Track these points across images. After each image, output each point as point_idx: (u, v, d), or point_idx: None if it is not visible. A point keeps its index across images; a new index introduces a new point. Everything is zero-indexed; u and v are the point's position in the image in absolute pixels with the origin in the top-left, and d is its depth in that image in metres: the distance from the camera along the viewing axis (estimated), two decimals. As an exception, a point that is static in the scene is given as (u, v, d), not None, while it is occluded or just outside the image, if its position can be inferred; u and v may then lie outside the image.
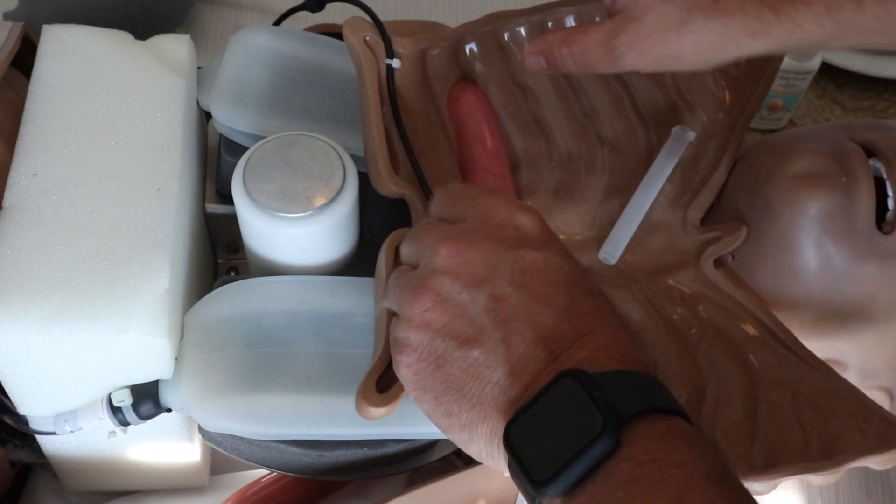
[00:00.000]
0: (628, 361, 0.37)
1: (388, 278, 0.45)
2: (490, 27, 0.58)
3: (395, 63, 0.55)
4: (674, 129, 0.59)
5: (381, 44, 0.55)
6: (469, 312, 0.39)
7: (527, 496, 0.36)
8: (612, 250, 0.55)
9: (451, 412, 0.39)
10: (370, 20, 0.55)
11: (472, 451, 0.40)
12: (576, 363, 0.36)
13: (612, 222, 0.57)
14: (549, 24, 0.59)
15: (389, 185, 0.51)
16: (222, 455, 0.54)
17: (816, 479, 0.45)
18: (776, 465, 0.45)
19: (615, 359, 0.37)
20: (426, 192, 0.52)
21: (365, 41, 0.54)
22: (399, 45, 0.56)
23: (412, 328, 0.40)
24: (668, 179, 0.58)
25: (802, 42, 0.44)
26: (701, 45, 0.45)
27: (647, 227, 0.57)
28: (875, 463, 0.44)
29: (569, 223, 0.57)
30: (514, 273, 0.39)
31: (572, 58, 0.48)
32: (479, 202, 0.42)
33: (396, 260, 0.47)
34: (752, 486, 0.44)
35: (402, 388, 0.42)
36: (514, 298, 0.38)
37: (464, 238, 0.40)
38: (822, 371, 0.48)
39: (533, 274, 0.39)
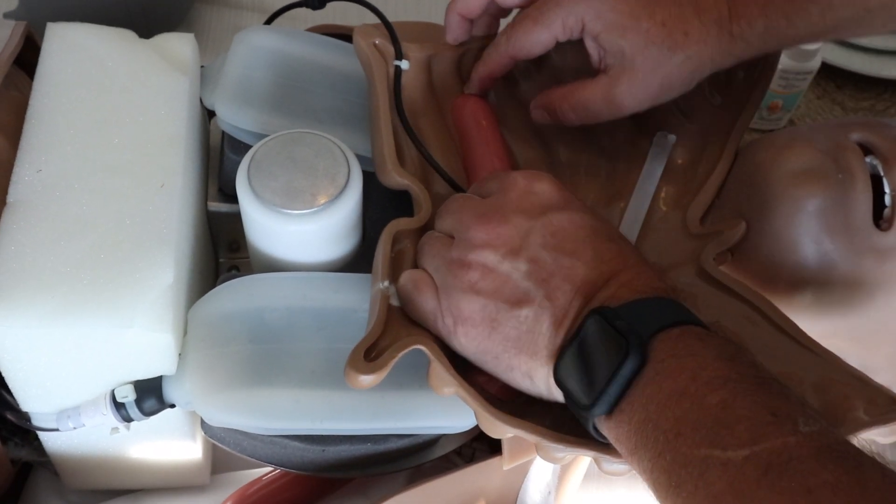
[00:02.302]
0: (648, 290, 0.42)
1: (385, 265, 0.48)
2: (491, 38, 0.59)
3: (404, 64, 0.56)
4: (655, 136, 0.60)
5: (390, 48, 0.56)
6: (513, 279, 0.44)
7: (583, 421, 0.42)
8: None
9: (513, 366, 0.44)
10: (380, 24, 0.56)
11: (535, 392, 0.45)
12: (602, 302, 0.42)
13: (612, 223, 0.58)
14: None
15: (394, 177, 0.52)
16: (223, 453, 0.54)
17: None
18: None
19: (635, 291, 0.42)
20: (438, 172, 0.54)
21: (375, 45, 0.56)
22: (406, 49, 0.57)
23: (464, 298, 0.44)
24: (668, 181, 0.59)
25: (754, 54, 0.53)
26: (683, 74, 0.53)
27: (648, 226, 0.57)
28: (879, 434, 0.45)
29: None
30: (545, 236, 0.44)
31: (574, 112, 0.55)
32: (501, 178, 0.48)
33: (394, 248, 0.49)
34: None
35: (391, 358, 0.43)
36: (549, 259, 0.44)
37: (496, 213, 0.45)
38: (826, 357, 0.49)
39: (561, 234, 0.44)
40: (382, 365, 0.43)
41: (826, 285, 0.53)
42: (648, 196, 0.58)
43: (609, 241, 0.45)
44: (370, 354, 0.44)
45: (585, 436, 0.44)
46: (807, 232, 0.53)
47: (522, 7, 0.56)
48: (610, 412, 0.40)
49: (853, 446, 0.35)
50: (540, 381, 0.44)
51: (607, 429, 0.41)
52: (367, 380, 0.43)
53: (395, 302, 0.47)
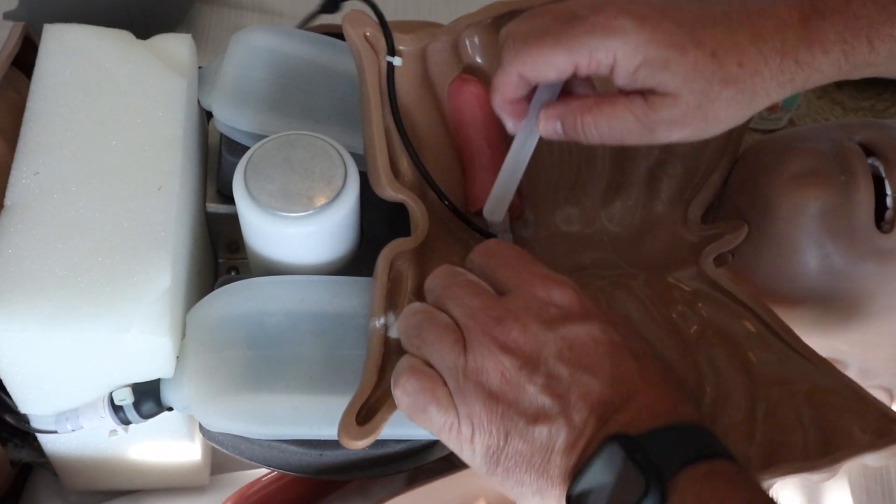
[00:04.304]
0: (671, 415, 0.40)
1: (383, 294, 0.47)
2: (490, 19, 0.58)
3: (397, 61, 0.54)
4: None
5: (382, 40, 0.55)
6: (529, 392, 0.41)
7: None
8: (493, 210, 0.52)
9: (523, 482, 0.41)
10: (371, 15, 0.55)
11: None
12: (620, 426, 0.39)
13: (612, 220, 0.57)
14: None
15: (388, 191, 0.51)
16: (223, 454, 0.54)
17: (814, 476, 0.45)
18: (773, 463, 0.45)
19: (657, 416, 0.39)
20: (435, 191, 0.53)
21: (365, 37, 0.54)
22: (400, 41, 0.55)
23: (484, 406, 0.41)
24: (669, 176, 0.58)
25: (822, 82, 0.46)
26: (734, 109, 0.46)
27: (648, 223, 0.57)
28: (872, 459, 0.44)
29: (569, 220, 0.57)
30: (563, 350, 0.41)
31: (597, 128, 0.47)
32: (521, 275, 0.44)
33: (390, 273, 0.48)
34: None
35: (382, 420, 0.44)
36: (566, 374, 0.41)
37: (516, 322, 0.42)
38: (822, 367, 0.48)
39: (579, 348, 0.42)
40: (373, 430, 0.43)
41: (827, 288, 0.53)
42: (534, 138, 0.51)
43: (632, 357, 0.42)
44: (364, 410, 0.44)
45: None
46: (808, 234, 0.53)
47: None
48: None
49: None
50: (552, 499, 0.41)
51: None
52: (360, 444, 0.43)
53: (393, 334, 0.47)
